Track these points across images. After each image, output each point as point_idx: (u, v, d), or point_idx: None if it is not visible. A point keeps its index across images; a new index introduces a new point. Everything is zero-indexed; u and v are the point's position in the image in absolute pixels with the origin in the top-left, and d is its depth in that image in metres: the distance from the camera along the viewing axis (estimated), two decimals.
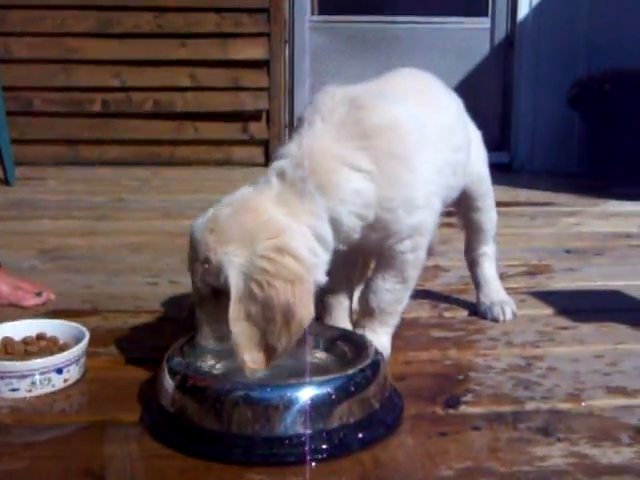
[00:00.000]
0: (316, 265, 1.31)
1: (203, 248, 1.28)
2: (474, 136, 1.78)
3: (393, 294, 1.52)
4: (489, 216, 1.85)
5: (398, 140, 1.40)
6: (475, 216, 1.84)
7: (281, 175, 1.34)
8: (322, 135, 1.38)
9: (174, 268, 2.19)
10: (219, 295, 1.29)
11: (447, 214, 1.98)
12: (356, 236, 1.40)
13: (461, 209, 1.85)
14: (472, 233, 1.87)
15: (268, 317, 1.24)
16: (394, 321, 1.56)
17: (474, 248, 1.88)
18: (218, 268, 1.26)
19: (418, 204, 1.43)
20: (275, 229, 1.27)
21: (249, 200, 1.33)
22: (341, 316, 1.62)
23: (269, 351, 1.25)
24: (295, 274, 1.25)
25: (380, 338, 1.52)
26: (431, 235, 1.51)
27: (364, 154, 1.36)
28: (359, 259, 1.67)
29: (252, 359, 1.25)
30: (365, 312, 1.56)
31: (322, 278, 1.32)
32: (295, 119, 4.37)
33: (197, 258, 1.29)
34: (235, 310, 1.24)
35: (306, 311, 1.25)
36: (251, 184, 1.38)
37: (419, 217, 1.44)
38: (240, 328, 1.24)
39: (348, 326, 1.59)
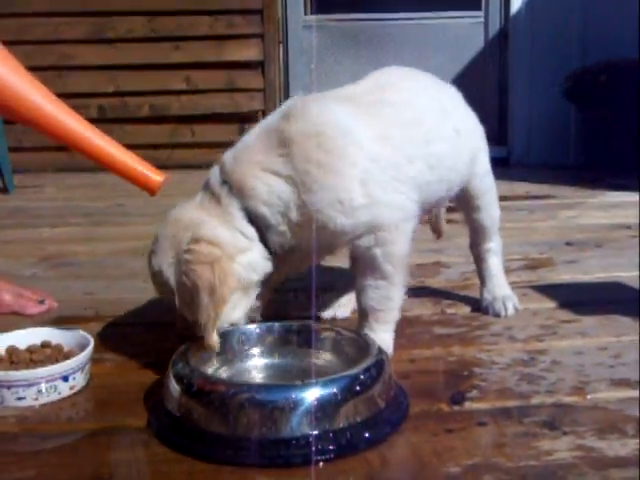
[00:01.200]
0: (239, 249, 1.44)
1: (153, 270, 1.48)
2: (468, 130, 1.77)
3: (379, 290, 1.52)
4: (489, 214, 1.85)
5: (318, 147, 1.45)
6: (475, 215, 1.84)
7: (205, 184, 1.52)
8: (251, 143, 1.51)
9: None
10: None
11: (448, 210, 2.00)
12: (291, 234, 1.47)
13: (461, 206, 1.85)
14: (474, 230, 1.88)
15: (197, 301, 1.38)
16: (390, 318, 1.56)
17: (478, 244, 1.89)
18: (165, 278, 1.44)
19: (355, 204, 1.45)
20: (192, 226, 1.44)
21: (174, 214, 1.51)
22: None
23: (203, 330, 1.40)
24: (213, 256, 1.39)
25: (380, 336, 1.52)
26: (402, 229, 1.51)
27: (283, 160, 1.45)
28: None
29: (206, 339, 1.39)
30: (361, 312, 1.57)
31: (254, 262, 1.46)
32: None
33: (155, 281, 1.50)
34: (180, 303, 1.43)
35: (226, 287, 1.39)
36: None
37: (366, 215, 1.46)
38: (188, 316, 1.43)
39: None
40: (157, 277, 1.47)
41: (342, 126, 1.48)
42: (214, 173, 1.51)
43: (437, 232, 2.06)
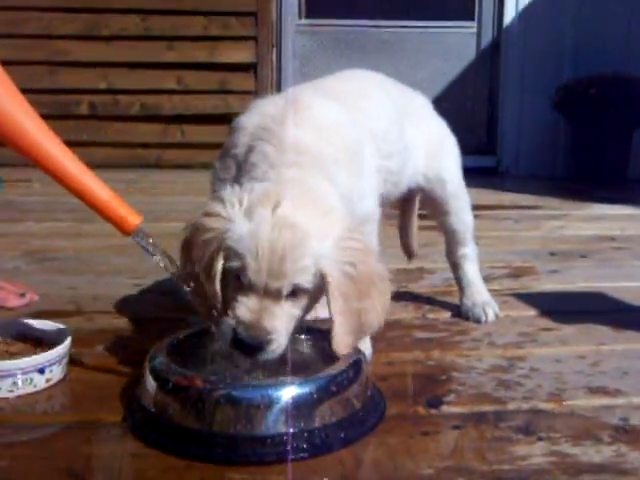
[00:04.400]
0: None
1: (288, 247, 1.21)
2: (437, 138, 1.80)
3: None
4: (460, 219, 1.86)
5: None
6: (444, 219, 1.86)
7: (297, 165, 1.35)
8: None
9: (159, 270, 2.18)
10: (289, 299, 1.25)
11: (425, 217, 2.01)
12: None
13: (431, 212, 1.88)
14: (446, 236, 1.89)
15: (364, 293, 1.27)
16: None
17: (453, 251, 1.90)
18: (310, 266, 1.23)
19: (365, 193, 1.49)
20: (338, 213, 1.30)
21: (305, 193, 1.29)
22: None
23: (360, 332, 1.30)
24: (372, 248, 1.33)
25: None
26: (378, 222, 1.56)
27: None
28: None
29: (345, 343, 1.27)
30: None
31: None
32: None
33: (283, 259, 1.21)
34: (336, 297, 1.24)
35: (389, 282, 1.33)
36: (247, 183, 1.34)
37: (366, 206, 1.49)
38: (341, 312, 1.25)
39: None
40: (300, 264, 1.23)
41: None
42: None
43: (409, 253, 2.07)
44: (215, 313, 1.31)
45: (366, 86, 1.69)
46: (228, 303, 1.26)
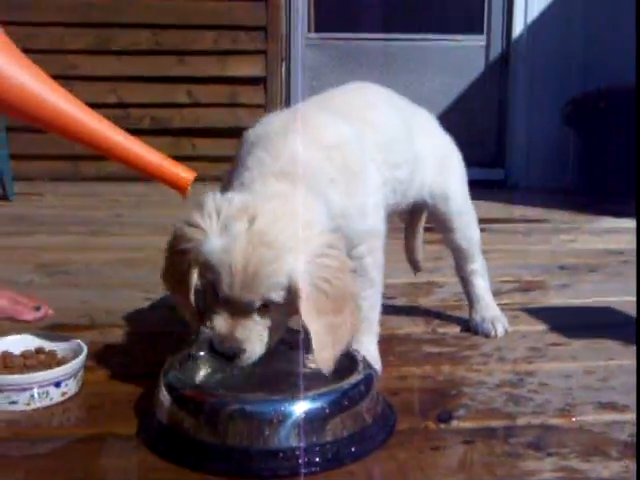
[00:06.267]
0: None
1: (262, 263, 1.23)
2: (443, 153, 1.81)
3: (367, 300, 1.54)
4: (465, 235, 1.86)
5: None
6: (449, 236, 1.87)
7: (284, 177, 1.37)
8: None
9: None
10: (262, 311, 1.28)
11: (431, 230, 2.02)
12: None
13: (438, 227, 1.89)
14: (453, 252, 1.90)
15: (338, 309, 1.28)
16: (374, 329, 1.59)
17: (461, 266, 1.91)
18: (282, 281, 1.24)
19: (368, 210, 1.50)
20: (317, 229, 1.31)
21: (282, 207, 1.30)
22: None
23: (336, 346, 1.29)
24: (348, 265, 1.33)
25: (368, 348, 1.54)
26: (383, 238, 1.57)
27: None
28: None
29: (325, 358, 1.28)
30: None
31: None
32: None
33: (255, 275, 1.23)
34: (308, 311, 1.25)
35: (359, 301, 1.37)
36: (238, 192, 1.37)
37: (369, 223, 1.51)
38: (316, 327, 1.26)
39: None
40: (272, 277, 1.24)
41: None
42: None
43: (415, 267, 2.08)
44: (191, 322, 1.37)
45: (372, 98, 1.71)
46: (208, 311, 1.31)
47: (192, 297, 1.32)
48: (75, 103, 1.50)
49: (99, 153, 1.53)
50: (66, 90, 1.52)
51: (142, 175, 1.56)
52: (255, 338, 1.28)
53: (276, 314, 1.29)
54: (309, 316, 1.25)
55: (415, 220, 1.98)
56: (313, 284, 1.25)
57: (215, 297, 1.29)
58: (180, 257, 1.31)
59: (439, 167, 1.79)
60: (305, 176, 1.37)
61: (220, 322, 1.28)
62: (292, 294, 1.25)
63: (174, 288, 1.37)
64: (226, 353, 1.28)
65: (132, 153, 1.51)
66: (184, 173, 1.51)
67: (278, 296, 1.26)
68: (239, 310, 1.27)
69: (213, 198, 1.32)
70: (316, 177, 1.40)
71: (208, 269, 1.27)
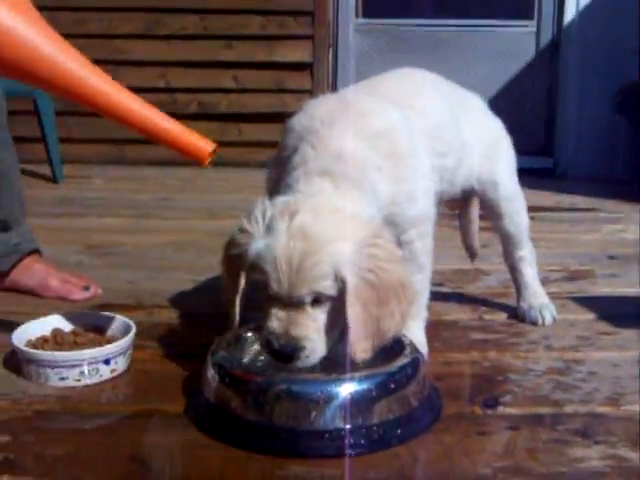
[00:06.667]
0: None
1: (304, 256, 1.23)
2: (492, 138, 1.79)
3: (416, 285, 1.52)
4: (513, 221, 1.84)
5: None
6: (498, 222, 1.85)
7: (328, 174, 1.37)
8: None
9: (216, 267, 2.21)
10: (314, 307, 1.27)
11: (482, 217, 2.00)
12: None
13: (487, 213, 1.87)
14: (501, 238, 1.89)
15: (384, 301, 1.26)
16: (422, 314, 1.58)
17: (510, 253, 1.89)
18: (328, 272, 1.24)
19: (417, 195, 1.49)
20: (362, 220, 1.30)
21: (324, 202, 1.31)
22: None
23: (377, 338, 1.28)
24: (398, 255, 1.32)
25: (415, 333, 1.54)
26: (432, 223, 1.56)
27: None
28: None
29: (362, 348, 1.26)
30: None
31: None
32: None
33: (299, 268, 1.23)
34: (353, 303, 1.24)
35: (414, 289, 1.34)
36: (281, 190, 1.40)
37: (420, 208, 1.50)
38: (356, 317, 1.25)
39: None
40: (317, 271, 1.24)
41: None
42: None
43: (471, 254, 2.06)
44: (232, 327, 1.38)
45: (419, 84, 1.69)
46: (264, 313, 1.29)
47: (238, 301, 1.34)
48: (94, 71, 1.51)
49: (118, 121, 1.53)
50: (86, 58, 1.52)
51: (164, 145, 1.55)
52: (312, 335, 1.26)
53: (330, 310, 1.27)
54: (352, 306, 1.24)
55: (468, 206, 1.97)
56: (358, 274, 1.24)
57: (268, 298, 1.27)
58: (231, 263, 1.34)
59: (487, 153, 1.77)
60: (350, 170, 1.37)
61: (273, 322, 1.26)
62: (340, 284, 1.24)
63: (227, 292, 1.38)
64: (284, 351, 1.25)
65: (150, 121, 1.52)
66: (203, 143, 1.51)
67: (326, 288, 1.24)
68: (292, 308, 1.25)
69: (261, 202, 1.33)
70: (363, 168, 1.39)
71: (257, 270, 1.27)
